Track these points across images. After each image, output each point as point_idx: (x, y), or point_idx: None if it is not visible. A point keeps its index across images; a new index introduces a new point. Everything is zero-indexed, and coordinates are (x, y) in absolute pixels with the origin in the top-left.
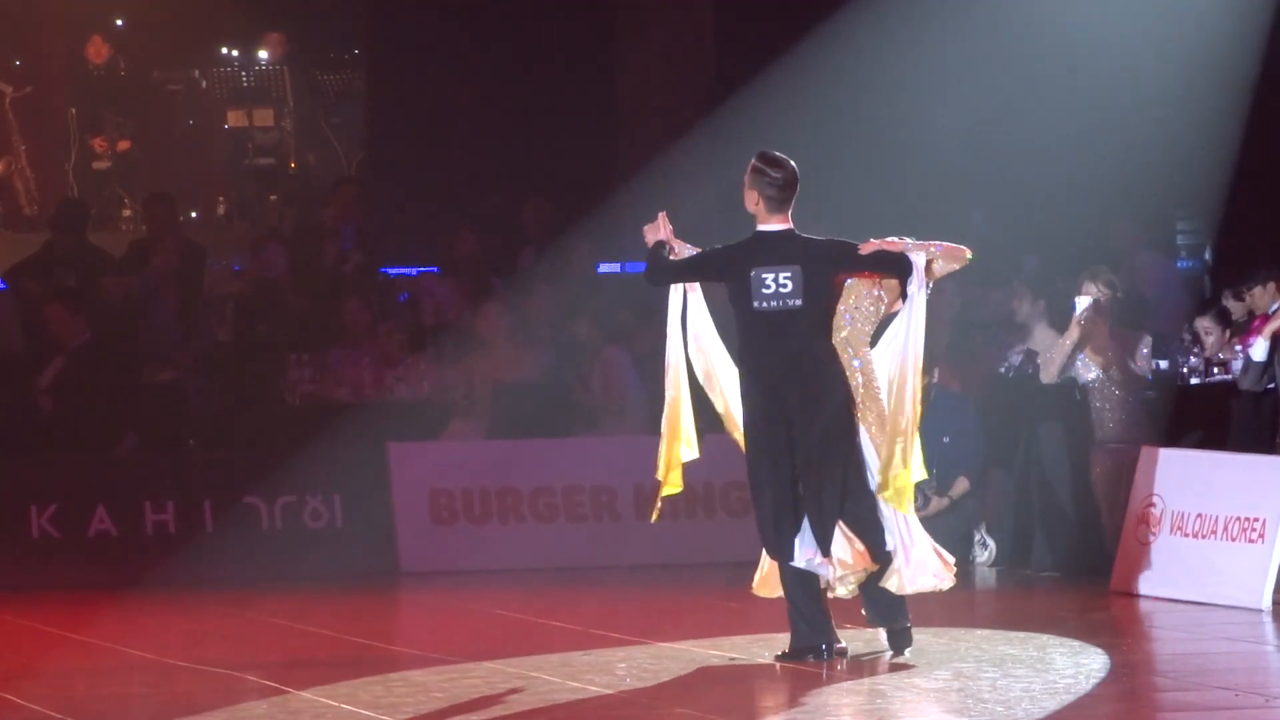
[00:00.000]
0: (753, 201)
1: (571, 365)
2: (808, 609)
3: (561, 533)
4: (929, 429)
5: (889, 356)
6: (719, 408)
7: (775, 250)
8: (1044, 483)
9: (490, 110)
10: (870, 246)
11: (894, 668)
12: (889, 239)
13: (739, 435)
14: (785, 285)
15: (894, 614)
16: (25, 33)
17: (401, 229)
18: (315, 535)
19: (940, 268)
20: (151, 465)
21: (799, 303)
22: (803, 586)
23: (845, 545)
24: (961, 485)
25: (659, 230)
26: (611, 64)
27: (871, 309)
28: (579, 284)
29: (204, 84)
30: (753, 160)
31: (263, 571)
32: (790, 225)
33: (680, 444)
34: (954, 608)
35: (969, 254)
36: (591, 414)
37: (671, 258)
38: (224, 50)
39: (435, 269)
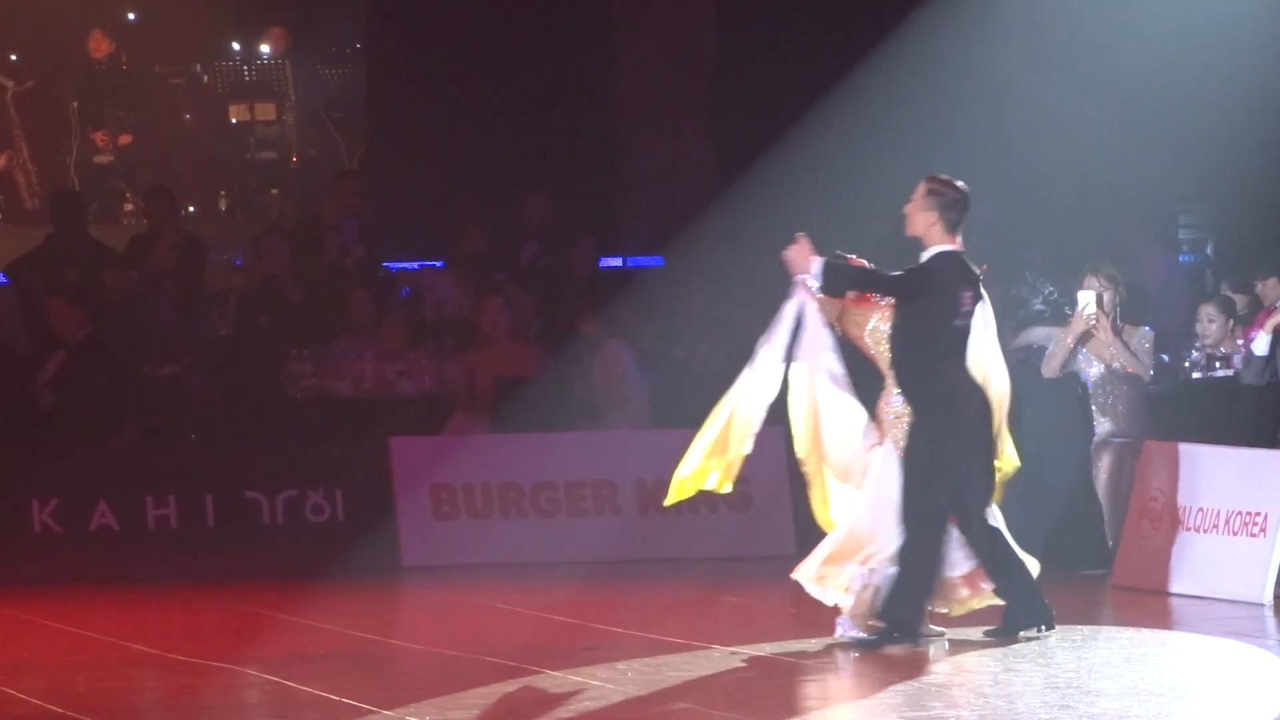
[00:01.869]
0: (929, 223)
1: (573, 359)
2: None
3: (563, 527)
4: None
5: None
6: (805, 437)
7: (966, 270)
8: (1046, 477)
9: (492, 104)
10: None
11: (896, 662)
12: None
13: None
14: (968, 306)
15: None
16: (27, 27)
17: (403, 223)
18: (317, 530)
19: None
20: (153, 459)
21: (971, 322)
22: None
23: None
24: None
25: (807, 252)
26: (613, 57)
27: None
28: (580, 278)
29: (205, 78)
30: (926, 183)
31: (264, 566)
32: (960, 246)
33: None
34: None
35: None
36: (593, 408)
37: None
38: (226, 44)
39: (437, 263)
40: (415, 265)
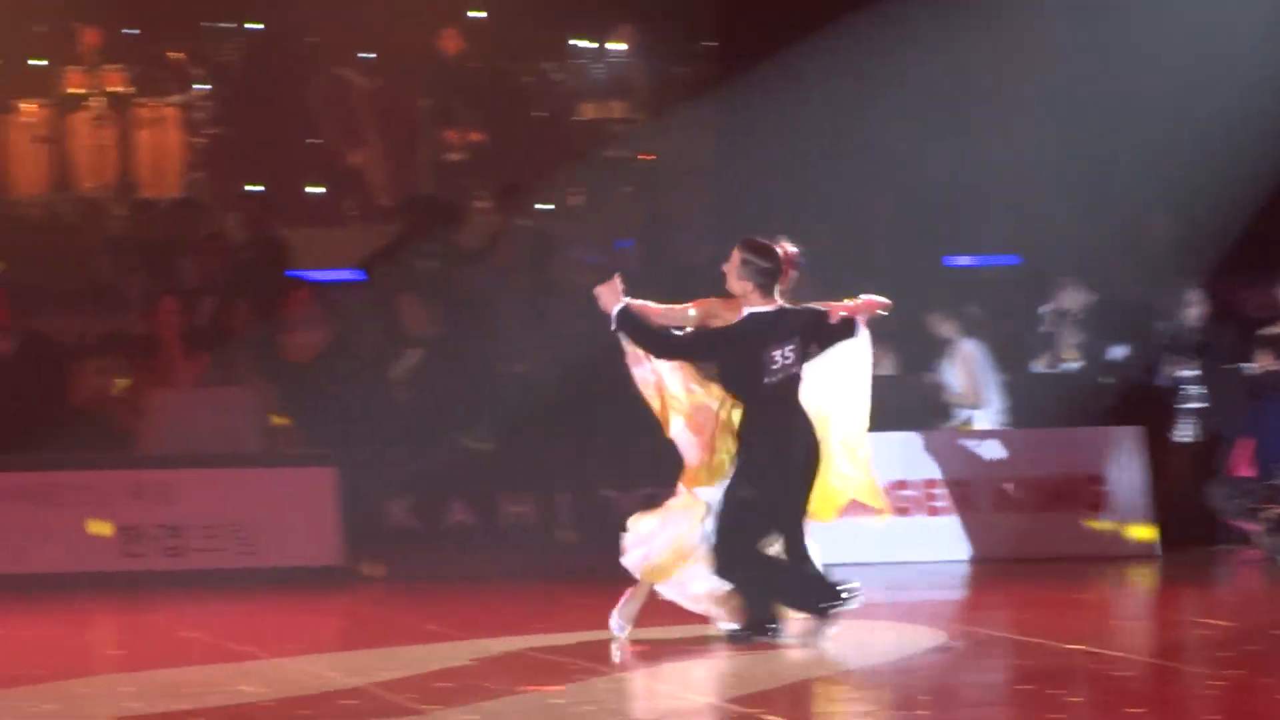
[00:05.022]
0: (745, 289)
1: (928, 359)
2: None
3: (919, 527)
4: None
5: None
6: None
7: (775, 328)
8: None
9: (842, 101)
10: (836, 314)
11: None
12: (845, 303)
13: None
14: (789, 357)
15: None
16: (379, 26)
17: (752, 221)
18: None
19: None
20: (507, 457)
21: (799, 369)
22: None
23: None
24: None
25: (616, 293)
26: (967, 49)
27: None
28: (928, 277)
29: (557, 76)
30: (738, 250)
31: (620, 563)
32: (779, 303)
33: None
34: None
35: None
36: (949, 408)
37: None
38: (576, 43)
39: None
40: None
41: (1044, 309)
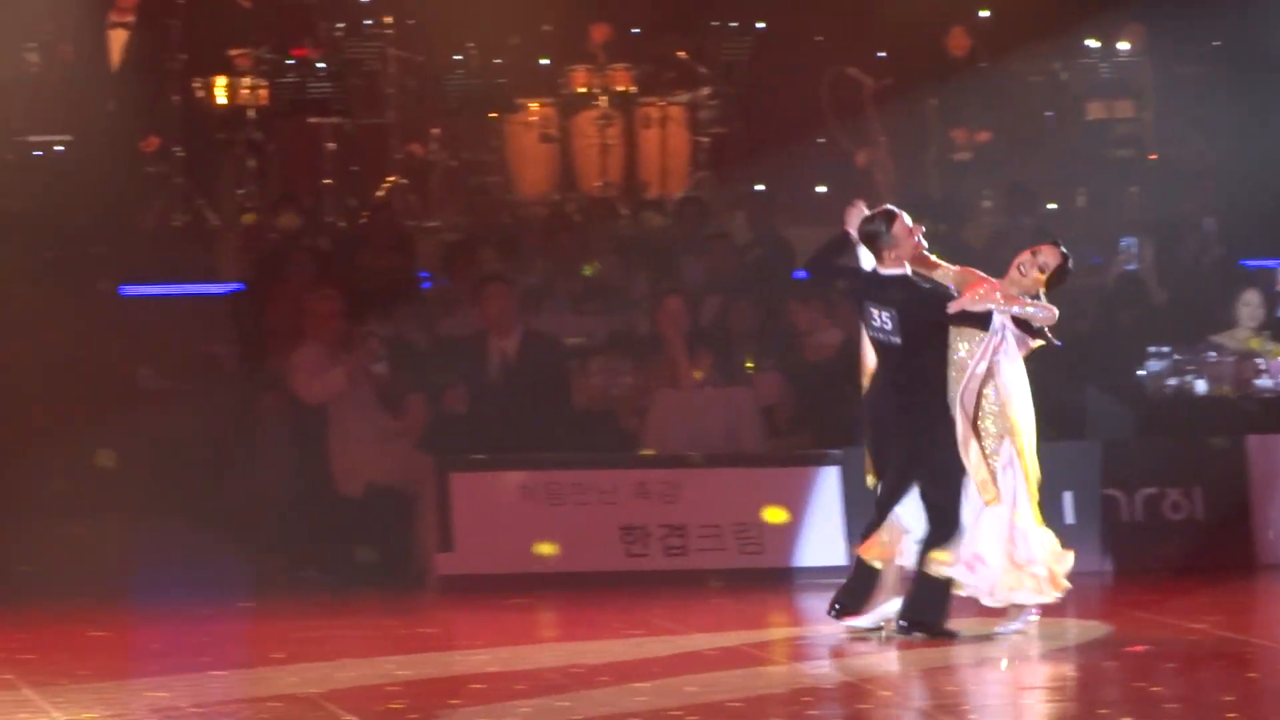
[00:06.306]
0: None
1: None
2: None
3: None
4: None
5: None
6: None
7: (883, 290)
8: None
9: None
10: (956, 306)
11: None
12: (980, 294)
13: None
14: (887, 324)
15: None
16: (884, 25)
17: (1263, 220)
18: (1174, 527)
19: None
20: None
21: (898, 340)
22: None
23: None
24: None
25: (853, 220)
26: None
27: None
28: None
29: (1064, 76)
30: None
31: (1122, 563)
32: (903, 270)
33: None
34: None
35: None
36: None
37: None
38: (1084, 42)
39: None
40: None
41: None
